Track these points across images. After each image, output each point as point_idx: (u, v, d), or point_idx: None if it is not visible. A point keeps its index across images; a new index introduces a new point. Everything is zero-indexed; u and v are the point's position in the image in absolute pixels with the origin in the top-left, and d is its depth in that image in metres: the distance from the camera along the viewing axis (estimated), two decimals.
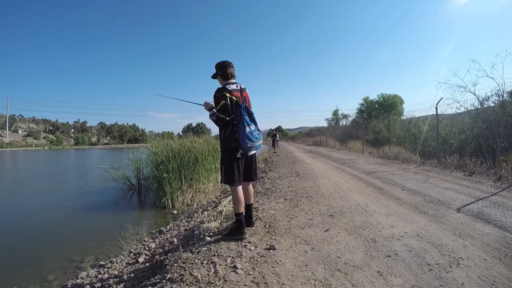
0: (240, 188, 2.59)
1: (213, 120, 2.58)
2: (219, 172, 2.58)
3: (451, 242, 2.47)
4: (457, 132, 8.95)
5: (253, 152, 2.65)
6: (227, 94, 2.48)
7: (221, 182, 2.66)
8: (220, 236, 2.74)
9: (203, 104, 2.73)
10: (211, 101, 2.64)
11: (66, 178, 13.35)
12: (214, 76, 2.73)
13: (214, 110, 2.53)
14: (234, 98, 2.51)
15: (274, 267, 2.05)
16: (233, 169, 2.53)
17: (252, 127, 2.48)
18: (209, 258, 2.21)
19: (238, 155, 2.54)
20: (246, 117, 2.47)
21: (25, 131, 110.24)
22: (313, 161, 10.46)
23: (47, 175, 15.13)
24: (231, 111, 2.50)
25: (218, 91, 2.52)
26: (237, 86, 2.59)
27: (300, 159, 11.40)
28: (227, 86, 2.55)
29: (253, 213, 3.13)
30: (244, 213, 2.69)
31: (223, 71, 2.63)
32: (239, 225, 2.61)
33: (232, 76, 2.66)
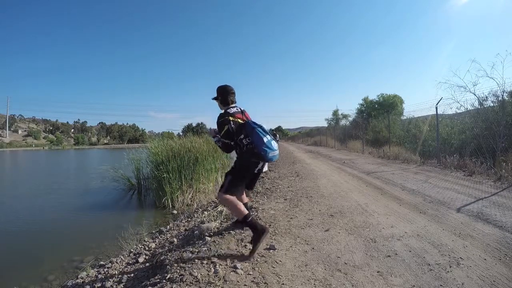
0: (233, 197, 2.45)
1: (219, 146, 2.60)
2: (224, 179, 2.48)
3: (451, 242, 2.48)
4: (457, 132, 8.95)
5: (266, 169, 2.65)
6: (230, 118, 2.47)
7: (221, 192, 2.41)
8: (220, 235, 2.74)
9: (208, 130, 2.86)
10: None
11: (66, 178, 13.35)
12: (215, 99, 2.72)
13: (218, 136, 2.55)
14: (239, 121, 2.49)
15: (274, 267, 2.05)
16: (242, 183, 2.50)
17: (268, 137, 2.43)
18: (209, 258, 2.21)
19: (256, 171, 2.50)
20: (259, 129, 2.42)
21: (25, 131, 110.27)
22: (313, 161, 10.46)
23: (47, 176, 15.13)
24: (236, 134, 2.47)
25: (220, 116, 2.52)
26: (237, 109, 2.58)
27: (300, 159, 11.40)
28: (228, 110, 2.54)
29: (250, 212, 3.06)
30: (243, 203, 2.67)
31: (224, 97, 2.62)
32: (255, 225, 2.36)
33: (232, 103, 2.63)
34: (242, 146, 2.48)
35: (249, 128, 2.45)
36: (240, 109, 2.62)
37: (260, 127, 2.48)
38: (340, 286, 1.83)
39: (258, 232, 2.33)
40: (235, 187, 2.44)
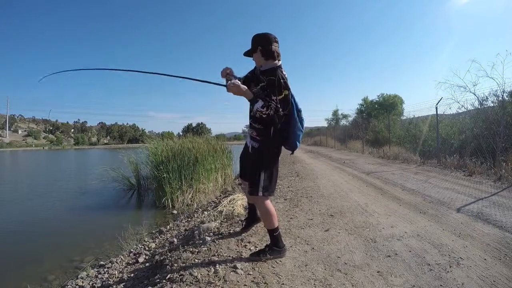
0: (270, 202, 2.15)
1: (267, 114, 1.84)
2: (253, 181, 2.05)
3: (451, 242, 2.47)
4: (457, 132, 8.96)
5: None
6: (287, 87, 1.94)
7: (258, 194, 2.04)
8: (220, 235, 2.73)
9: (226, 85, 1.91)
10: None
11: (66, 178, 13.35)
12: (248, 53, 2.08)
13: (273, 97, 1.84)
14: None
15: (274, 267, 2.05)
16: (276, 176, 2.11)
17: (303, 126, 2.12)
18: (209, 258, 2.21)
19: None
20: (302, 113, 2.10)
21: (25, 131, 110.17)
22: (313, 161, 10.46)
23: (47, 176, 15.13)
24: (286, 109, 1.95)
25: (280, 76, 1.91)
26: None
27: (300, 159, 11.40)
28: (285, 73, 1.99)
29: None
30: (251, 213, 2.60)
31: (266, 47, 1.97)
32: (278, 241, 2.15)
33: (279, 56, 2.01)
34: (275, 125, 1.98)
35: (294, 107, 2.03)
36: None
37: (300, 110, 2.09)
38: (340, 286, 1.83)
39: (280, 250, 2.15)
40: (273, 182, 2.06)
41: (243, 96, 1.90)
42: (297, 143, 2.10)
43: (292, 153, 2.22)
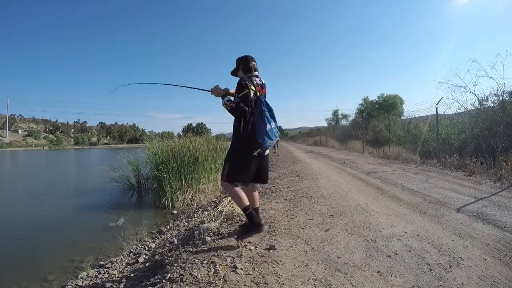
0: (237, 187, 2.38)
1: (230, 107, 2.29)
2: (223, 170, 2.42)
3: (451, 242, 2.47)
4: (457, 132, 8.95)
5: (267, 152, 2.51)
6: (252, 87, 2.32)
7: (223, 180, 2.39)
8: (220, 235, 2.73)
9: (210, 90, 2.51)
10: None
11: (66, 178, 13.35)
12: (234, 72, 2.57)
13: (236, 95, 2.32)
14: (257, 93, 2.37)
15: (274, 267, 2.05)
16: (246, 167, 2.33)
17: (272, 124, 2.31)
18: (209, 258, 2.21)
19: (255, 154, 2.33)
20: (267, 113, 2.31)
21: (25, 131, 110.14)
22: (313, 161, 10.46)
23: (47, 176, 15.13)
24: (251, 105, 2.31)
25: (243, 79, 2.36)
26: (260, 80, 2.47)
27: (300, 159, 11.40)
28: (252, 78, 2.40)
29: (260, 215, 2.76)
30: (249, 204, 2.53)
31: (245, 65, 2.48)
32: (252, 219, 2.37)
33: (255, 70, 2.50)
34: (246, 120, 2.32)
35: (258, 109, 2.31)
36: (261, 81, 2.48)
37: (270, 111, 2.34)
38: (340, 286, 1.83)
39: (253, 225, 2.38)
40: (237, 173, 2.32)
41: (219, 95, 2.43)
42: (261, 141, 2.25)
43: (263, 152, 2.39)
